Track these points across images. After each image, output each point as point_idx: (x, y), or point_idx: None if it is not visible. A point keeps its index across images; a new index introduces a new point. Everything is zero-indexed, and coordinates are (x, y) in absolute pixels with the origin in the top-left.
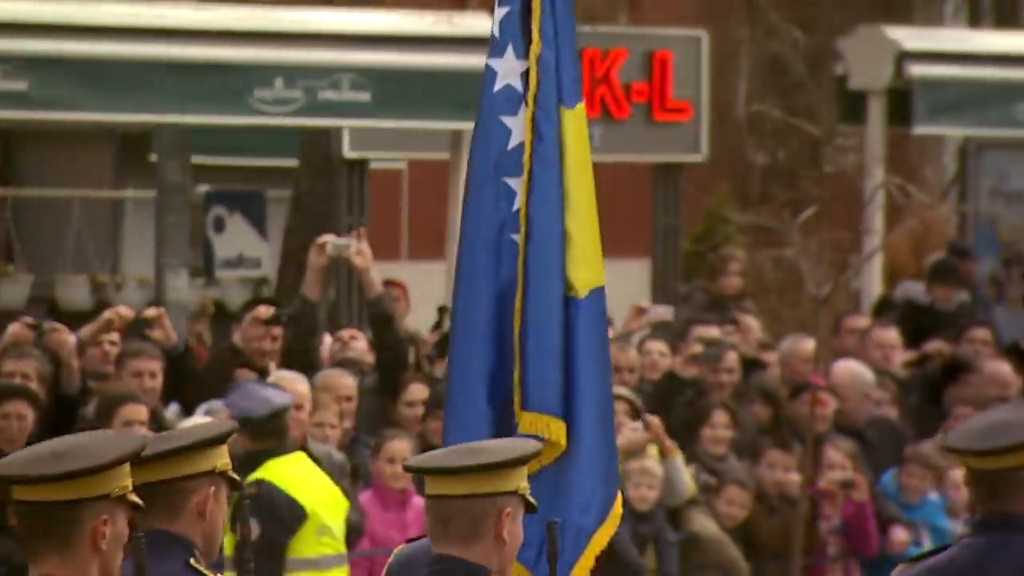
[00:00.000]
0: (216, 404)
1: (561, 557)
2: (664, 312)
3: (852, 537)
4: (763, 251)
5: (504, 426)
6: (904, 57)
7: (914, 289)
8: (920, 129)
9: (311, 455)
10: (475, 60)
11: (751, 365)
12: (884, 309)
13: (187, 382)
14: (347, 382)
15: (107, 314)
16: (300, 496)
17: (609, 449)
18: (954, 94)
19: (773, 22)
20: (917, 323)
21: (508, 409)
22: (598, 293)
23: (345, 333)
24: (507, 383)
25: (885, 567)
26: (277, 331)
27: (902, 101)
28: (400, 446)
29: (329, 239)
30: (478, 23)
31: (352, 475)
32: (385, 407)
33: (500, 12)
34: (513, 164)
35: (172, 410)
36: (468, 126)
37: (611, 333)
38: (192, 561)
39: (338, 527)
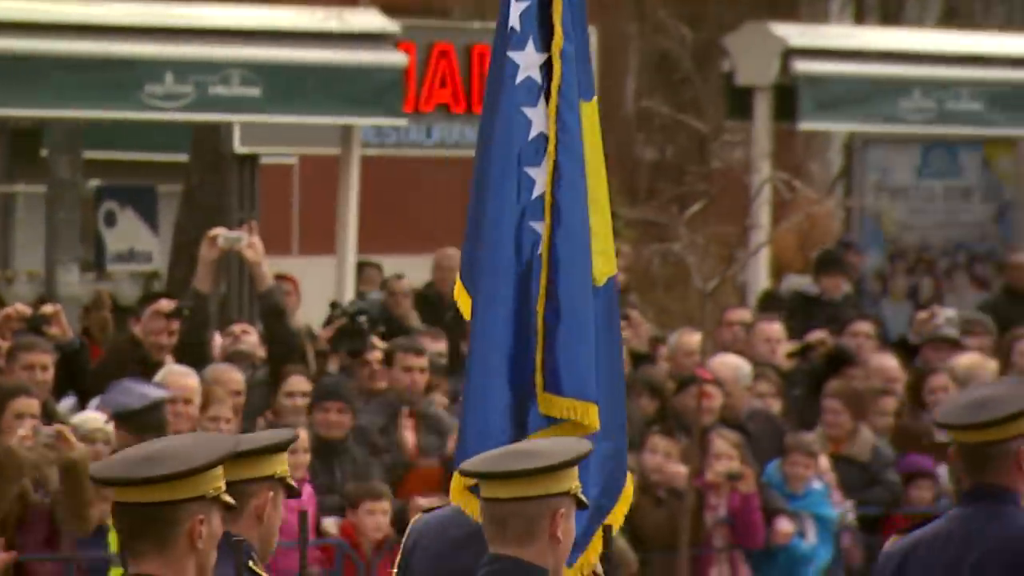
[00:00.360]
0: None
1: (578, 534)
2: None
3: (738, 528)
4: (651, 246)
5: (522, 407)
6: (790, 54)
7: (801, 281)
8: (806, 125)
9: None
10: (365, 56)
11: (640, 359)
12: (769, 303)
13: (83, 375)
14: (236, 376)
15: (7, 310)
16: None
17: (623, 432)
18: (840, 90)
19: (661, 19)
20: (806, 314)
21: (528, 391)
22: (612, 282)
23: (237, 327)
24: (528, 366)
25: (770, 559)
26: (175, 325)
27: (788, 97)
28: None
29: (221, 232)
30: (368, 19)
31: None
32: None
33: (520, 6)
34: (532, 154)
35: (67, 404)
36: (358, 121)
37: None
38: (251, 563)
39: None
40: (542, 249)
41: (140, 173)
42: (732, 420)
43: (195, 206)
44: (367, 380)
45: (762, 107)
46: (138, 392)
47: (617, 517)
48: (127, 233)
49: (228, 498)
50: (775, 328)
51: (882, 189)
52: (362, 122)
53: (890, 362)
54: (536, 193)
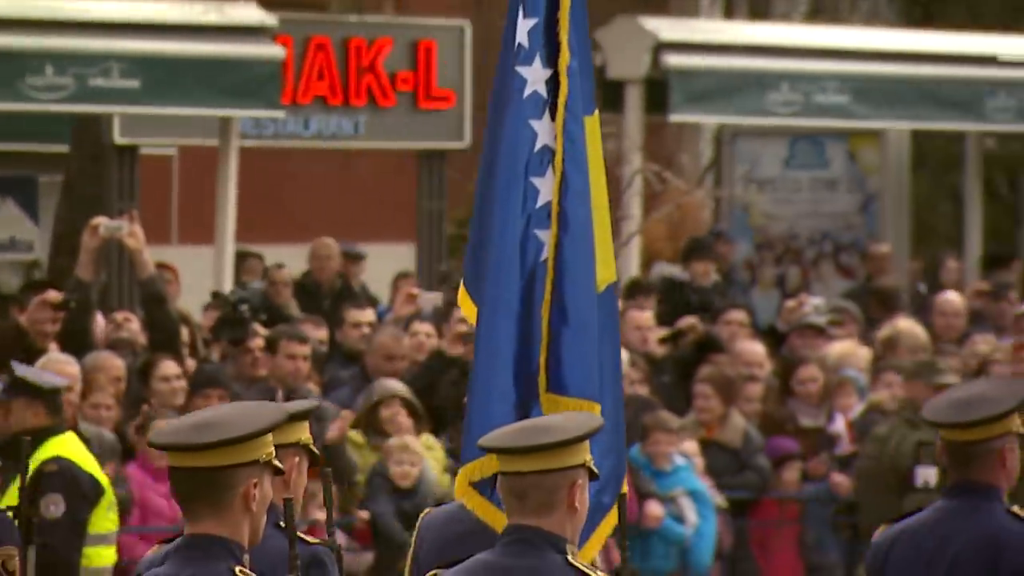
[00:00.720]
0: None
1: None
2: (435, 298)
3: None
4: None
5: (525, 407)
6: (661, 47)
7: (671, 269)
8: (676, 117)
9: (81, 436)
10: (243, 49)
11: None
12: (636, 290)
13: None
14: (117, 363)
15: None
16: (95, 472)
17: (621, 432)
18: (709, 83)
19: None
20: (675, 301)
21: (531, 392)
22: (612, 288)
23: (119, 315)
24: (532, 368)
25: (641, 541)
26: (60, 314)
27: (659, 90)
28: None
29: (103, 221)
30: (246, 13)
31: (123, 455)
32: None
33: (527, 24)
34: (537, 165)
35: None
36: (236, 113)
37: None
38: (279, 523)
39: (113, 503)
40: (548, 256)
41: (20, 163)
42: None
43: (75, 196)
44: (248, 367)
45: (633, 100)
46: (43, 376)
47: (614, 517)
48: (8, 222)
49: (278, 463)
50: (645, 316)
51: (750, 180)
52: (240, 114)
53: (756, 348)
54: (541, 202)
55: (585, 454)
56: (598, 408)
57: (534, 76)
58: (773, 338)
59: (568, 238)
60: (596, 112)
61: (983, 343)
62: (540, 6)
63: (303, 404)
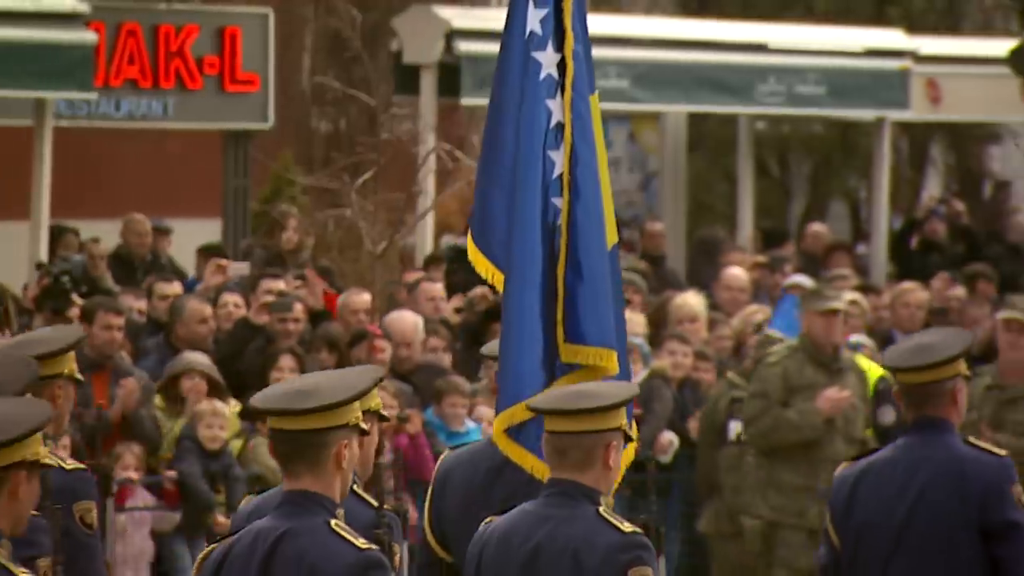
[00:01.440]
0: None
1: None
2: (242, 267)
3: (410, 466)
4: (325, 211)
5: (551, 357)
6: (453, 34)
7: (458, 240)
8: (468, 100)
9: None
10: (57, 34)
11: (318, 316)
12: (428, 263)
13: None
14: None
15: None
16: None
17: (627, 376)
18: None
19: (333, 2)
20: (466, 269)
21: (553, 340)
22: (615, 248)
23: None
24: (551, 319)
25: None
26: None
27: (451, 74)
28: None
29: None
30: (61, 0)
31: None
32: None
33: (539, 13)
34: (553, 140)
35: None
36: (51, 95)
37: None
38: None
39: None
40: (562, 220)
41: None
42: (404, 372)
43: None
44: None
45: (428, 83)
46: None
47: (628, 455)
48: None
49: (365, 426)
50: (437, 287)
51: None
52: (54, 96)
53: None
54: (556, 173)
55: (621, 419)
56: (615, 356)
57: (547, 60)
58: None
59: (579, 204)
60: (596, 93)
61: (760, 312)
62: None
63: (379, 372)
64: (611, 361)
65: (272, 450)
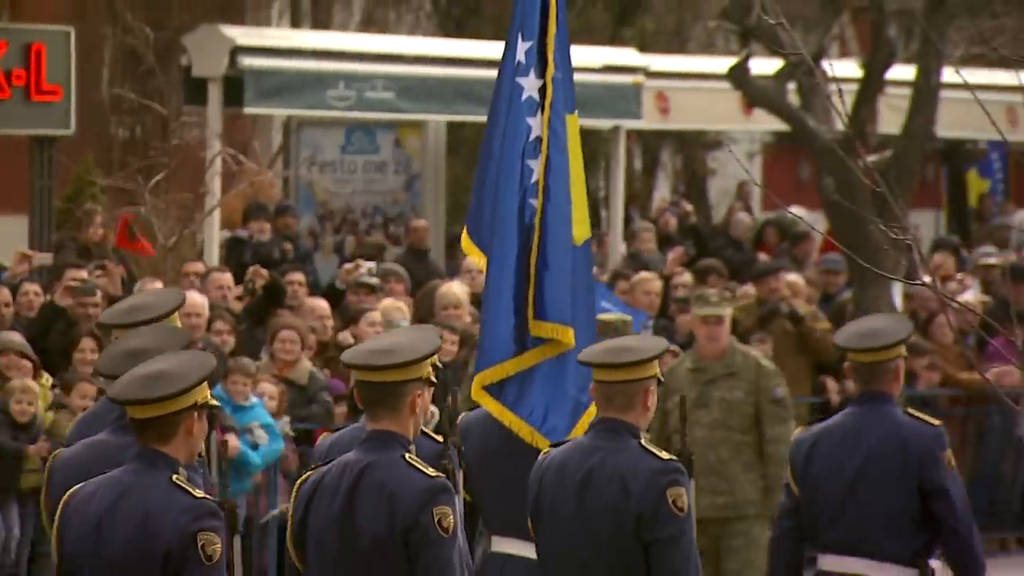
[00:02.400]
0: None
1: (564, 423)
2: (45, 257)
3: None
4: (122, 208)
5: (522, 330)
6: (237, 51)
7: (242, 233)
8: (250, 109)
9: None
10: None
11: (116, 301)
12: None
13: None
14: None
15: None
16: None
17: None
18: (278, 81)
19: (129, 22)
20: (240, 255)
21: (523, 316)
22: (587, 243)
23: None
24: (523, 300)
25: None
26: None
27: (236, 87)
28: None
29: None
30: None
31: None
32: None
33: (525, 45)
34: (532, 151)
35: None
36: None
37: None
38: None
39: None
40: (536, 219)
41: None
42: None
43: None
44: None
45: (214, 95)
46: None
47: (592, 412)
48: None
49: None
50: (225, 277)
51: (314, 163)
52: None
53: (322, 304)
54: (533, 179)
55: (655, 369)
56: (570, 332)
57: (529, 85)
58: (332, 295)
59: (550, 205)
60: (576, 112)
61: None
62: (534, 32)
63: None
64: (567, 336)
65: (358, 397)
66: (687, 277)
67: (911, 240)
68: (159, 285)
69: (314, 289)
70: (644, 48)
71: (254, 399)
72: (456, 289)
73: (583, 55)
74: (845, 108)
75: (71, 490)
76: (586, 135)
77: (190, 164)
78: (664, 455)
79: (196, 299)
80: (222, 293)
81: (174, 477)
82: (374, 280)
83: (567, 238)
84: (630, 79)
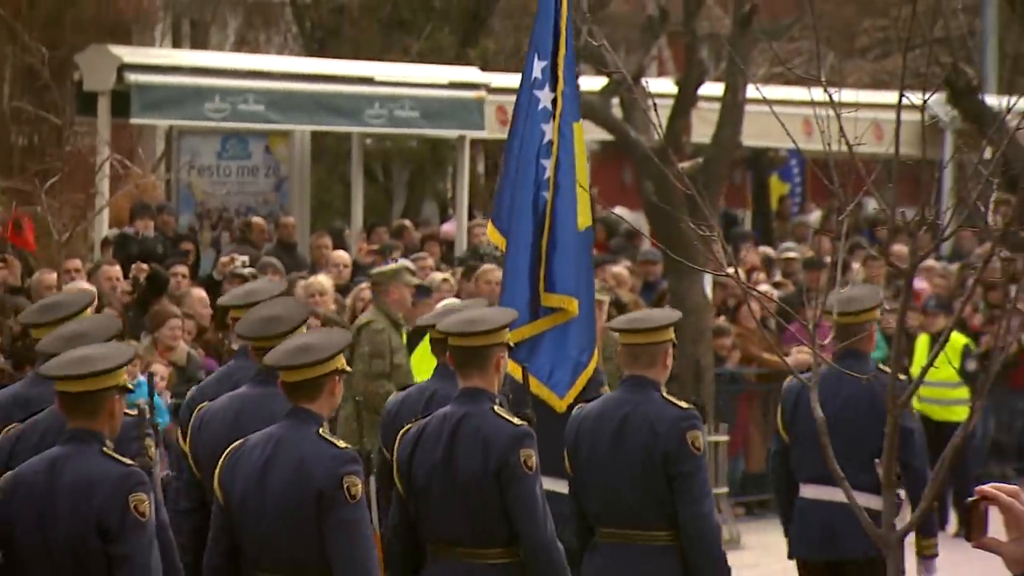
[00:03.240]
0: None
1: (566, 379)
2: None
3: None
4: (22, 208)
5: (536, 301)
6: (124, 68)
7: (129, 229)
8: (136, 120)
9: None
10: None
11: (16, 291)
12: (104, 249)
13: None
14: None
15: None
16: None
17: (592, 317)
18: (161, 95)
19: (27, 41)
20: (127, 249)
21: (536, 290)
22: (588, 229)
23: None
24: (536, 276)
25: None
26: None
27: (123, 100)
28: None
29: None
30: None
31: None
32: None
33: (541, 64)
34: (545, 152)
35: None
36: None
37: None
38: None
39: None
40: (547, 209)
41: None
42: None
43: None
44: None
45: (103, 107)
46: None
47: (589, 372)
48: None
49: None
50: (115, 269)
51: (193, 167)
52: None
53: (202, 293)
54: (545, 175)
55: (671, 333)
56: (575, 302)
57: (544, 97)
58: (210, 285)
59: (559, 197)
60: (580, 121)
61: (367, 289)
62: (548, 52)
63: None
64: (572, 305)
65: (451, 359)
66: None
67: (715, 237)
68: (53, 275)
69: (194, 279)
70: (486, 67)
71: (141, 378)
72: (322, 279)
73: (432, 73)
74: (661, 121)
75: (234, 444)
76: (435, 143)
77: (82, 168)
78: (684, 404)
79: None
80: (111, 284)
81: (320, 431)
82: (248, 271)
83: (573, 225)
84: (474, 94)
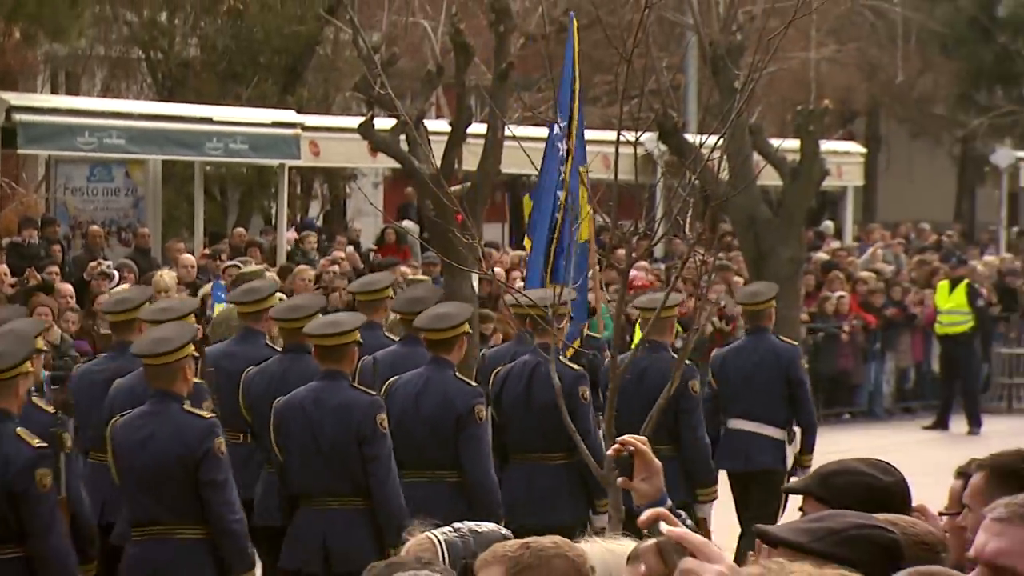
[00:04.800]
0: None
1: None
2: None
3: None
4: None
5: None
6: (11, 109)
7: (18, 238)
8: (21, 151)
9: None
10: None
11: None
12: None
13: None
14: None
15: None
16: None
17: (584, 298)
18: (41, 131)
19: None
20: (16, 257)
21: (544, 280)
22: (586, 242)
23: None
24: (545, 270)
25: None
26: None
27: (11, 135)
28: None
29: None
30: None
31: None
32: None
33: (562, 122)
34: (559, 185)
35: None
36: None
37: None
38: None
39: None
40: (558, 225)
41: None
42: None
43: None
44: None
45: None
46: None
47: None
48: None
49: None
50: (3, 267)
51: (67, 189)
52: None
53: (69, 288)
54: (558, 202)
55: (679, 308)
56: (573, 292)
57: (562, 147)
58: (81, 283)
59: (567, 218)
60: (586, 165)
61: (208, 286)
62: (567, 114)
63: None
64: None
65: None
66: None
67: (477, 244)
68: None
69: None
70: (301, 110)
71: None
72: (166, 277)
73: (258, 115)
74: (437, 153)
75: (389, 381)
76: (261, 169)
77: None
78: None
79: None
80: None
81: (456, 374)
82: (112, 271)
83: (575, 238)
84: (291, 131)
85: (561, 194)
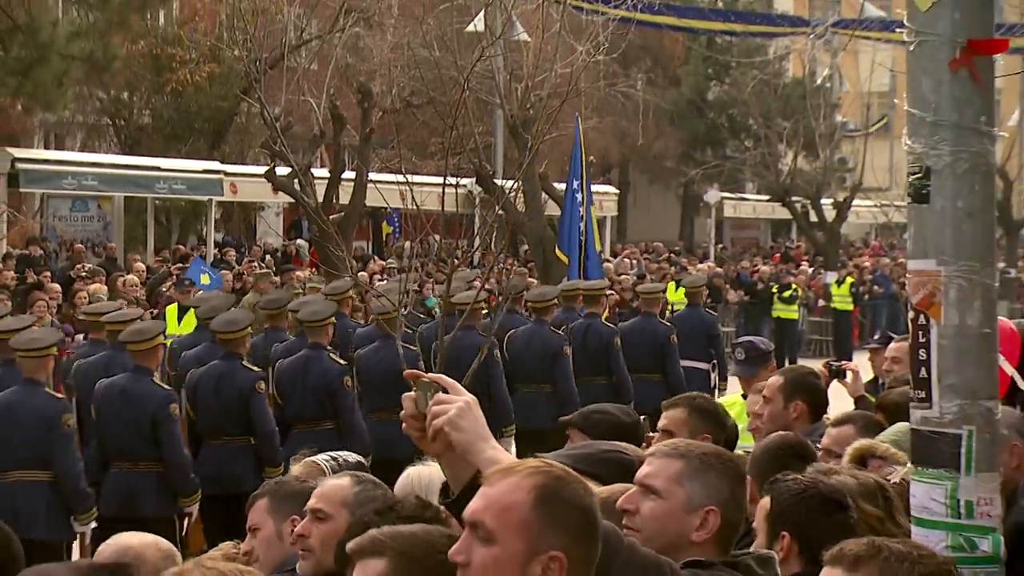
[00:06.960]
0: None
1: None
2: None
3: None
4: None
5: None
6: (15, 160)
7: (26, 252)
8: (23, 189)
9: None
10: None
11: None
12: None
13: None
14: None
15: None
16: None
17: (601, 275)
18: (36, 175)
19: None
20: (28, 263)
21: (572, 270)
22: (599, 253)
23: None
24: (576, 273)
25: None
26: None
27: (15, 178)
28: None
29: None
30: None
31: None
32: None
33: (576, 181)
34: (579, 218)
35: None
36: None
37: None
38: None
39: None
40: (582, 242)
41: None
42: None
43: None
44: None
45: (1, 183)
46: None
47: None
48: None
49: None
50: (9, 273)
51: (56, 217)
52: None
53: (56, 287)
54: (579, 228)
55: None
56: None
57: (579, 196)
58: (66, 281)
59: (589, 238)
60: (594, 205)
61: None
62: (579, 174)
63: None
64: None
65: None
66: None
67: (346, 256)
68: None
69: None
70: (224, 161)
71: None
72: (132, 278)
73: (193, 164)
74: (318, 192)
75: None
76: (195, 203)
77: None
78: (341, 361)
79: None
80: (3, 281)
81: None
82: (88, 275)
83: (595, 251)
84: (217, 176)
85: (581, 224)
